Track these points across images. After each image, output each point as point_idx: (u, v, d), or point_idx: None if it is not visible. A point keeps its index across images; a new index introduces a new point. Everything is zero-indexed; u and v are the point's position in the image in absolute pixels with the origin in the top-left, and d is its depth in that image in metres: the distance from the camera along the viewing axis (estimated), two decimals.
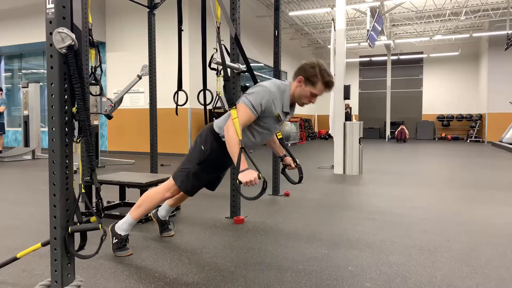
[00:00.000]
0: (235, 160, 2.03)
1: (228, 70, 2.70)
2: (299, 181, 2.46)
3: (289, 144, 12.81)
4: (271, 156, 4.67)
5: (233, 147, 2.06)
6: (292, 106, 2.32)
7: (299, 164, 2.57)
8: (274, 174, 4.55)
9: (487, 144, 13.97)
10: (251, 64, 2.55)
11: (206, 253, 2.47)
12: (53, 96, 1.61)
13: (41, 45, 9.85)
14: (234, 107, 2.12)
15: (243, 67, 3.12)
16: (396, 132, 16.02)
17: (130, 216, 2.42)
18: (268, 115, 2.21)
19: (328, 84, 2.19)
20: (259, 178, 1.97)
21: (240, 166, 1.99)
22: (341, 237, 2.81)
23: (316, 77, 2.15)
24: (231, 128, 2.07)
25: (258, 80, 2.70)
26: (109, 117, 4.23)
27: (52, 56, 1.60)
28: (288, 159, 2.59)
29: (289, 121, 14.41)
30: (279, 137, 2.64)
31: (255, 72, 2.72)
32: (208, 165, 2.35)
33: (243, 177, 1.95)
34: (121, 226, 2.41)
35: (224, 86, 2.23)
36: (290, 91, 2.24)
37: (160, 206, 2.83)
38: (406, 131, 15.80)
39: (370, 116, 18.62)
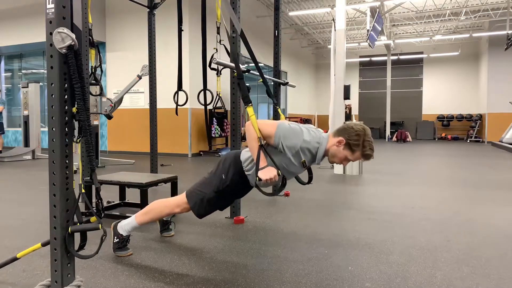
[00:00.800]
0: (254, 157, 2.03)
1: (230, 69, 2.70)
2: (309, 182, 2.43)
3: None
4: None
5: (252, 143, 2.05)
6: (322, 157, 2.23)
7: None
8: None
9: (487, 144, 13.97)
10: (251, 64, 2.55)
11: (206, 253, 2.47)
12: (53, 96, 1.61)
13: (41, 45, 9.85)
14: (250, 104, 2.11)
15: (243, 67, 3.12)
16: (396, 133, 16.14)
17: (135, 220, 2.39)
18: (294, 160, 2.11)
19: (366, 157, 2.11)
20: (279, 175, 1.98)
21: (260, 164, 1.99)
22: (341, 237, 2.81)
23: (357, 147, 2.07)
24: (251, 125, 2.06)
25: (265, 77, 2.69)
26: (109, 117, 4.23)
27: (52, 56, 1.60)
28: None
29: (289, 121, 14.39)
30: None
31: (254, 73, 2.72)
32: (225, 194, 2.30)
33: (263, 174, 1.96)
34: (124, 227, 2.40)
35: (238, 84, 2.21)
36: (326, 146, 2.13)
37: None
38: (409, 136, 15.95)
39: (370, 116, 18.62)
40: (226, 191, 2.26)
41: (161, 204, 2.39)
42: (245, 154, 2.24)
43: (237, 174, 2.24)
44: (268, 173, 1.96)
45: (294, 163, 2.12)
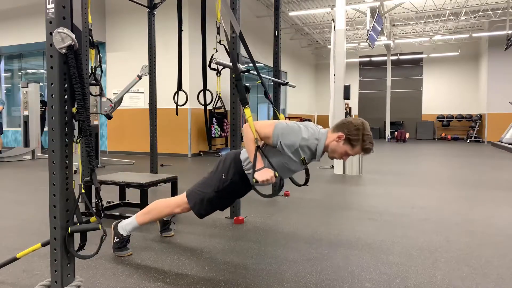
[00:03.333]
0: (251, 158, 2.03)
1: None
2: (305, 183, 2.42)
3: None
4: None
5: (249, 145, 2.05)
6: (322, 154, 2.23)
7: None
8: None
9: (487, 144, 13.97)
10: (251, 64, 2.55)
11: (206, 253, 2.47)
12: (53, 96, 1.61)
13: (41, 45, 9.84)
14: (247, 106, 2.10)
15: (243, 67, 3.12)
16: (396, 133, 16.11)
17: (136, 220, 2.39)
18: (294, 158, 2.10)
19: (366, 151, 2.10)
20: (276, 176, 1.97)
21: (256, 165, 1.98)
22: (341, 237, 2.81)
23: (357, 141, 2.06)
24: (248, 127, 2.06)
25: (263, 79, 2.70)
26: (109, 117, 4.23)
27: (52, 56, 1.60)
28: None
29: (289, 120, 14.39)
30: None
31: (254, 73, 2.72)
32: (225, 194, 2.29)
33: (259, 176, 1.95)
34: (125, 227, 2.40)
35: (236, 86, 2.22)
36: (325, 142, 2.12)
37: None
38: (407, 135, 15.90)
39: (370, 116, 18.61)
40: (226, 190, 2.26)
41: (162, 204, 2.39)
42: (245, 153, 2.24)
43: (237, 174, 2.24)
44: (264, 174, 1.96)
45: (295, 160, 2.11)
